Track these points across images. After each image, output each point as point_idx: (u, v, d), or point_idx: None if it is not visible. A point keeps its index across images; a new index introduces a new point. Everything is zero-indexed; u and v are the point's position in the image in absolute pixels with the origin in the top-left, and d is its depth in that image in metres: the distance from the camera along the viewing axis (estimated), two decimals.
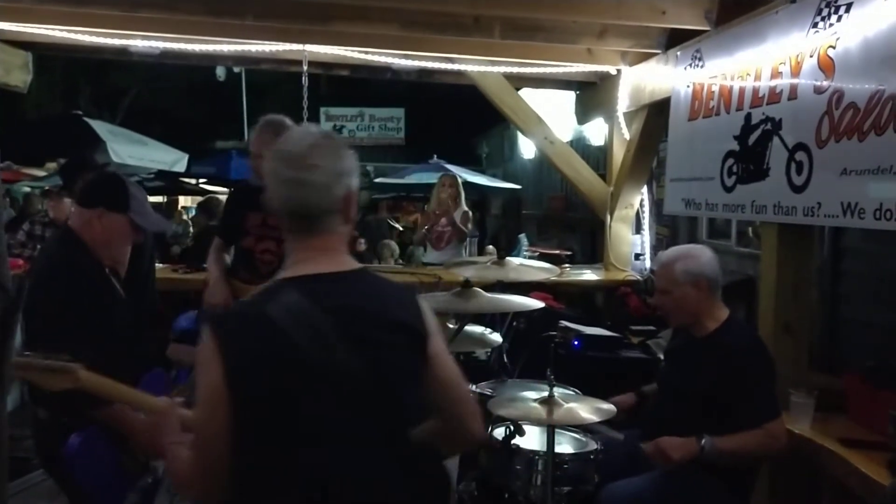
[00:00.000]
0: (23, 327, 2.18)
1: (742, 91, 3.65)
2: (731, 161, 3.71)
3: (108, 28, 4.94)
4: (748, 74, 3.61)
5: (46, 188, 8.19)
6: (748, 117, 3.58)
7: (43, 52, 5.79)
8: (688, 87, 4.25)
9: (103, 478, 2.41)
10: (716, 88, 3.92)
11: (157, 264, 5.16)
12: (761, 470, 2.97)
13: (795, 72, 3.22)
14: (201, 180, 14.55)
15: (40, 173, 11.44)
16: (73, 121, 9.68)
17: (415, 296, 1.71)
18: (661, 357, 3.86)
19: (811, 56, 3.10)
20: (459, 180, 6.67)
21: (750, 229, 4.87)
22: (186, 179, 13.94)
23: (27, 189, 11.64)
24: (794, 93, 3.22)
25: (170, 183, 13.23)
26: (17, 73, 5.49)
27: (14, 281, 0.79)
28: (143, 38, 5.12)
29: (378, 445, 1.58)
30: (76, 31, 4.98)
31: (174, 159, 10.40)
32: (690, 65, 4.23)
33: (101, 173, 2.85)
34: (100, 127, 9.51)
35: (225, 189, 13.17)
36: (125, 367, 2.31)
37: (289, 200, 1.59)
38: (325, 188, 1.58)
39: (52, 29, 4.91)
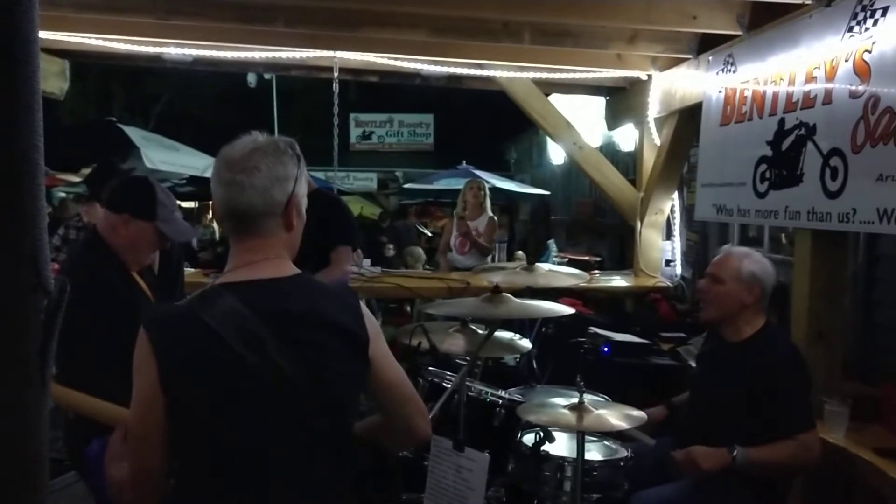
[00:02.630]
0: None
1: (775, 96, 3.61)
2: (763, 167, 3.67)
3: (142, 36, 5.02)
4: (781, 79, 3.57)
5: (81, 193, 8.32)
6: (782, 122, 3.54)
7: (78, 60, 5.89)
8: (720, 91, 4.22)
9: None
10: (748, 93, 3.88)
11: (188, 269, 5.22)
12: (795, 479, 2.93)
13: (830, 76, 3.18)
14: None
15: (75, 179, 11.63)
16: (108, 127, 9.85)
17: (355, 300, 1.71)
18: (692, 364, 3.83)
19: (846, 60, 3.06)
20: (486, 186, 6.67)
21: (783, 236, 4.81)
22: None
23: (62, 194, 11.84)
24: (828, 97, 3.18)
25: (201, 188, 13.39)
26: (54, 81, 5.59)
27: (55, 283, 0.81)
28: (177, 45, 5.20)
29: (314, 448, 1.60)
30: (111, 39, 5.07)
31: (206, 165, 10.52)
32: (722, 70, 4.20)
33: (131, 178, 2.87)
34: (133, 133, 9.66)
35: None
36: None
37: (228, 202, 1.60)
38: (263, 191, 1.58)
39: (88, 37, 5.00)
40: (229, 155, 1.62)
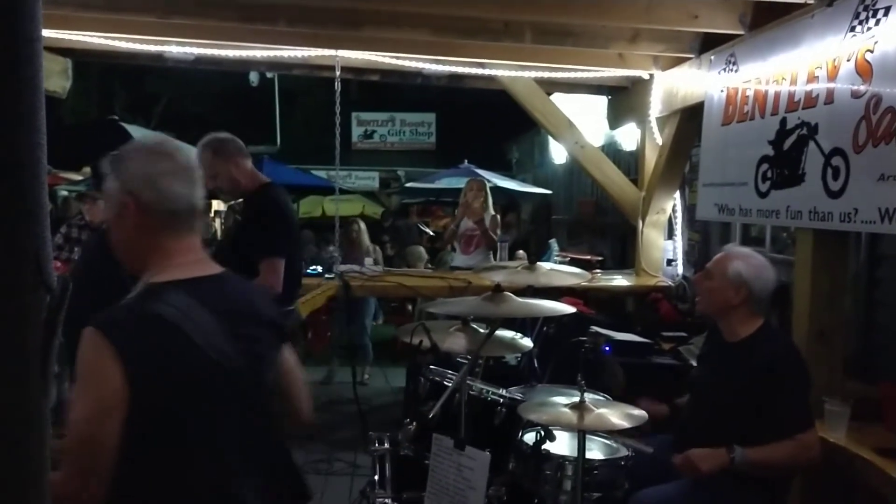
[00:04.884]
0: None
1: (777, 95, 3.61)
2: (765, 166, 3.67)
3: (145, 34, 5.03)
4: (783, 79, 3.57)
5: (83, 192, 8.33)
6: (783, 122, 3.54)
7: (81, 59, 5.90)
8: (721, 91, 4.21)
9: None
10: (750, 93, 3.88)
11: None
12: (795, 479, 2.93)
13: (832, 76, 3.18)
14: None
15: (77, 177, 11.65)
16: (110, 125, 9.85)
17: (270, 294, 1.85)
18: (693, 363, 3.83)
19: (848, 60, 3.06)
20: (487, 185, 6.67)
21: (785, 235, 4.81)
22: None
23: (65, 192, 11.85)
24: (830, 97, 3.18)
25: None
26: (56, 79, 5.60)
27: (57, 282, 0.81)
28: (178, 44, 5.20)
29: (264, 435, 1.69)
30: (113, 38, 5.07)
31: None
32: (724, 69, 4.20)
33: None
34: (136, 132, 9.66)
35: None
36: None
37: (191, 198, 1.68)
38: (199, 189, 1.71)
39: (91, 35, 5.01)
40: (184, 150, 1.74)
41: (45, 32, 4.91)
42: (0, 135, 0.81)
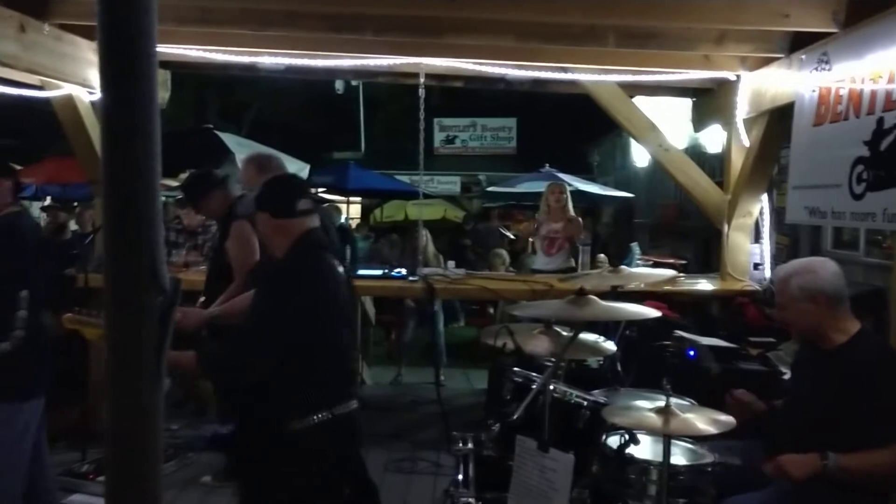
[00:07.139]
0: None
1: (873, 94, 3.50)
2: (860, 167, 3.56)
3: (238, 46, 5.25)
4: (880, 77, 3.46)
5: (179, 197, 8.70)
6: (880, 121, 3.42)
7: (178, 70, 6.19)
8: (813, 91, 4.10)
9: None
10: (844, 92, 3.77)
11: None
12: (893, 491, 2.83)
13: None
14: (320, 189, 15.09)
15: (174, 183, 12.14)
16: (205, 133, 10.26)
17: None
18: (782, 369, 3.74)
19: None
20: (567, 189, 6.67)
21: (880, 237, 4.64)
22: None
23: (163, 198, 12.37)
24: None
25: None
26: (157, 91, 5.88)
27: (170, 283, 0.87)
28: (270, 54, 5.40)
29: None
30: (209, 50, 5.31)
31: (296, 169, 10.77)
32: (816, 68, 4.08)
33: None
34: (229, 139, 10.03)
35: (342, 198, 13.59)
36: None
37: None
38: None
39: (188, 48, 5.25)
40: None
41: None
42: (119, 145, 0.89)
